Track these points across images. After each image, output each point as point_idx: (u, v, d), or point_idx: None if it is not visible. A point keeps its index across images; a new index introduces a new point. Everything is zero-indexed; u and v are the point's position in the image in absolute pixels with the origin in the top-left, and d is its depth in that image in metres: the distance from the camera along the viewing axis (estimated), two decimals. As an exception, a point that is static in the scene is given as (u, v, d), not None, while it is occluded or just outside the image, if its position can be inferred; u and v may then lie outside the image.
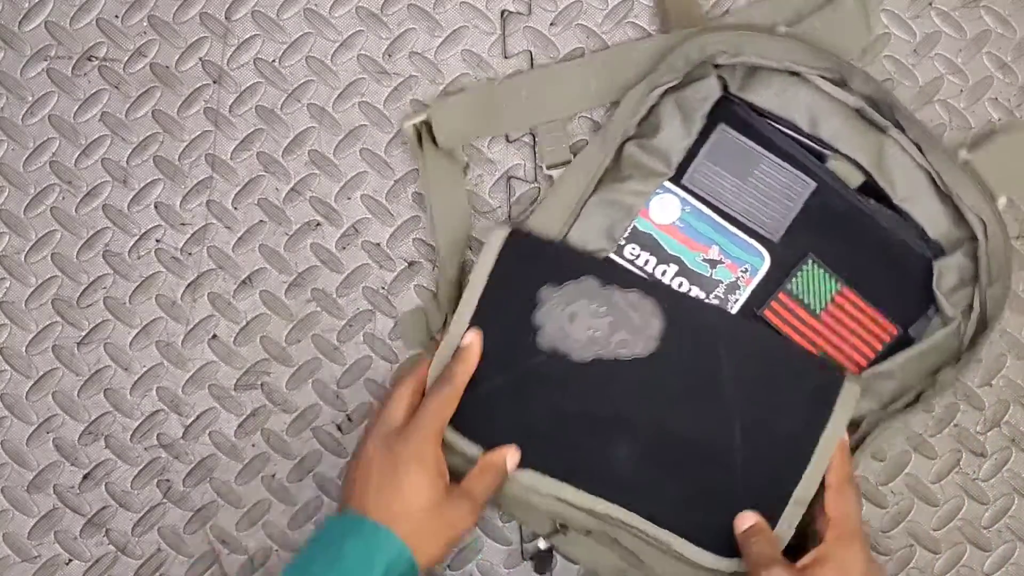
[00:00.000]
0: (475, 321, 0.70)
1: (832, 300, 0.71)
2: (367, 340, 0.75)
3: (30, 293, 0.76)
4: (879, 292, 0.71)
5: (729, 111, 0.72)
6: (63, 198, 0.76)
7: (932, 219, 0.70)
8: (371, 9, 0.77)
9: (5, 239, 0.76)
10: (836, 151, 0.71)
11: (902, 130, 0.70)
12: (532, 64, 0.76)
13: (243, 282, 0.76)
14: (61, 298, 0.76)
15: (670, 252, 0.71)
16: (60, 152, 0.76)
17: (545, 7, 0.76)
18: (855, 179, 0.71)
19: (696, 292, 0.71)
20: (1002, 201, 0.71)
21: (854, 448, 0.69)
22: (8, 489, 0.75)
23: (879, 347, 0.71)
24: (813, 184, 0.71)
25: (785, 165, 0.71)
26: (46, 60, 0.77)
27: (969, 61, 0.76)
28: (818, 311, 0.71)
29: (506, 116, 0.74)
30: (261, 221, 0.76)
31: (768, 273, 0.71)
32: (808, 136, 0.71)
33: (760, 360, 0.69)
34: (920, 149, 0.70)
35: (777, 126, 0.72)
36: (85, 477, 0.75)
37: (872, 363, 0.70)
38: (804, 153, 0.71)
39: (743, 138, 0.71)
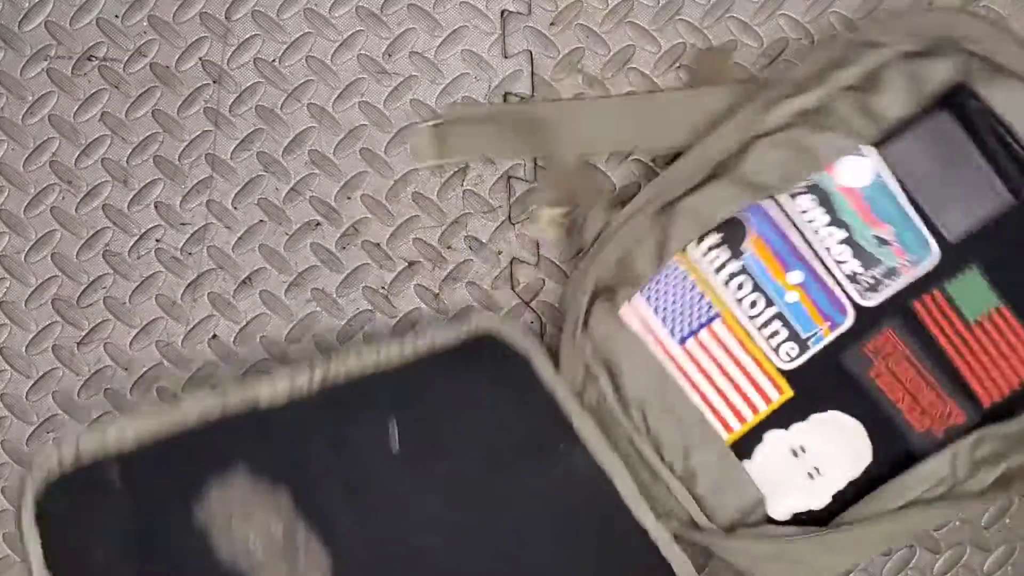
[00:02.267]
0: None
1: (988, 315, 0.67)
2: (367, 340, 0.75)
3: (30, 293, 0.76)
4: None
5: (958, 99, 0.67)
6: (63, 198, 0.76)
7: None
8: (371, 9, 0.77)
9: (5, 239, 0.76)
10: None
11: None
12: (532, 63, 0.76)
13: (243, 282, 0.76)
14: (61, 298, 0.76)
15: (842, 217, 0.68)
16: (60, 152, 0.76)
17: (545, 7, 0.76)
18: None
19: (855, 265, 0.68)
20: None
21: (995, 485, 0.66)
22: (8, 489, 0.75)
23: None
24: (1012, 199, 0.67)
25: (991, 172, 0.67)
26: (46, 60, 0.77)
27: (969, 61, 0.76)
28: (971, 321, 0.67)
29: (553, 135, 0.73)
30: (261, 221, 0.76)
31: (932, 271, 0.67)
32: None
33: None
34: None
35: (1003, 131, 0.67)
36: (85, 477, 0.75)
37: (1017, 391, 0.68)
38: (1018, 168, 0.67)
39: (961, 131, 0.67)
